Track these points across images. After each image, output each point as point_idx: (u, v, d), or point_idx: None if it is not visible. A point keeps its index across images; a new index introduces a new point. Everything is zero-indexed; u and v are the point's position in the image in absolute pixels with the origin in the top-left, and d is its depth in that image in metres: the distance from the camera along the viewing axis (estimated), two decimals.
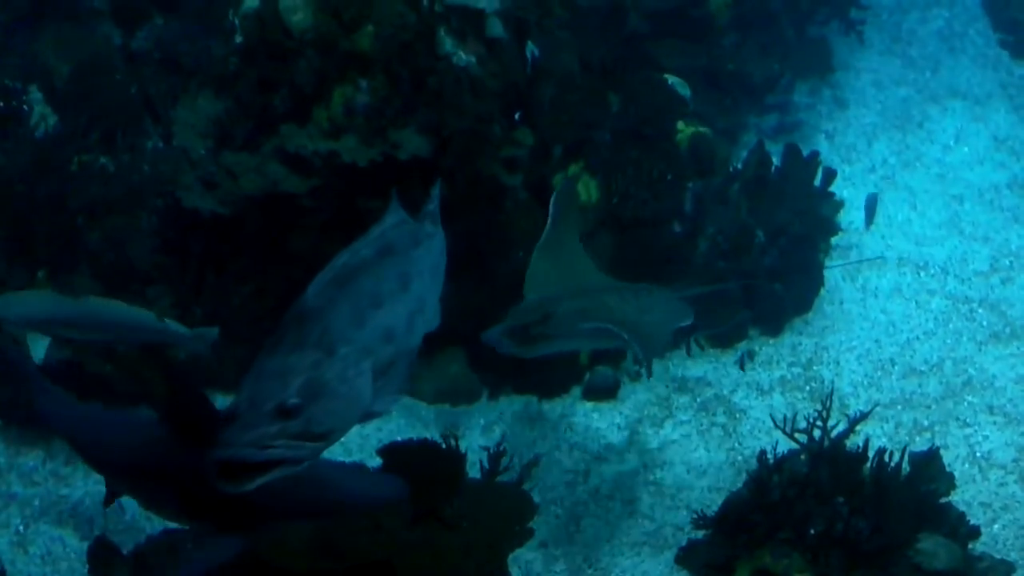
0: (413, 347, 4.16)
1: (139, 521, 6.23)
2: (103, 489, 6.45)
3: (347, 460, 5.24)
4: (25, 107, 7.28)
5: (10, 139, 6.93)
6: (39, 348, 6.57)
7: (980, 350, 7.31)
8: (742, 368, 7.17)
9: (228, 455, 3.56)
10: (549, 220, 5.80)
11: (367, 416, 3.93)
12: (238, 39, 6.37)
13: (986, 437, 6.62)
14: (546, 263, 5.66)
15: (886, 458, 5.46)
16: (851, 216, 8.47)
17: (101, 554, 5.57)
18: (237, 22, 6.36)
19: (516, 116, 6.61)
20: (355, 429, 4.43)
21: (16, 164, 6.62)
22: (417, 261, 4.27)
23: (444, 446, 5.35)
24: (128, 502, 6.30)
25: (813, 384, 7.06)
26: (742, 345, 7.37)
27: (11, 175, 6.59)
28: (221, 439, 3.58)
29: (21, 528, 6.29)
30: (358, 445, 6.46)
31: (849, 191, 8.68)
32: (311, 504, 4.16)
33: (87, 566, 5.61)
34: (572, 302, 5.42)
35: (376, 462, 5.16)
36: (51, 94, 7.40)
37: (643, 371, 7.15)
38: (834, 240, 8.11)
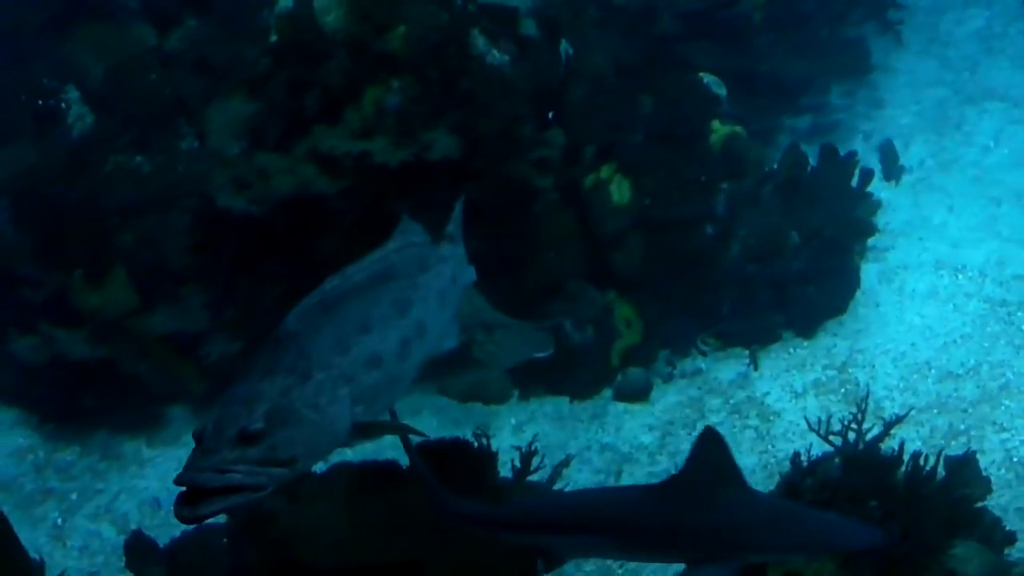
0: (406, 373, 4.06)
1: (173, 517, 6.27)
2: (138, 485, 6.57)
3: (379, 459, 5.25)
4: (63, 105, 7.33)
5: (46, 139, 6.99)
6: (73, 346, 6.64)
7: (1018, 354, 7.22)
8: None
9: (185, 480, 3.53)
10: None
11: (350, 442, 3.86)
12: (272, 38, 6.40)
13: (1023, 442, 6.54)
14: None
15: (920, 462, 5.39)
16: (888, 216, 8.39)
17: (138, 548, 5.64)
18: (272, 21, 6.39)
19: (549, 115, 6.59)
20: None
21: (51, 165, 6.67)
22: (422, 286, 4.16)
23: (475, 445, 5.35)
24: (164, 499, 6.39)
25: (848, 387, 7.00)
26: (775, 347, 7.32)
27: (46, 176, 6.65)
28: (185, 464, 3.57)
29: (59, 521, 6.36)
30: (391, 443, 6.45)
31: (887, 193, 8.61)
32: (794, 545, 4.36)
33: (124, 559, 5.67)
34: None
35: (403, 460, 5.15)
36: (86, 94, 7.44)
37: (675, 372, 7.15)
38: (871, 241, 8.05)
